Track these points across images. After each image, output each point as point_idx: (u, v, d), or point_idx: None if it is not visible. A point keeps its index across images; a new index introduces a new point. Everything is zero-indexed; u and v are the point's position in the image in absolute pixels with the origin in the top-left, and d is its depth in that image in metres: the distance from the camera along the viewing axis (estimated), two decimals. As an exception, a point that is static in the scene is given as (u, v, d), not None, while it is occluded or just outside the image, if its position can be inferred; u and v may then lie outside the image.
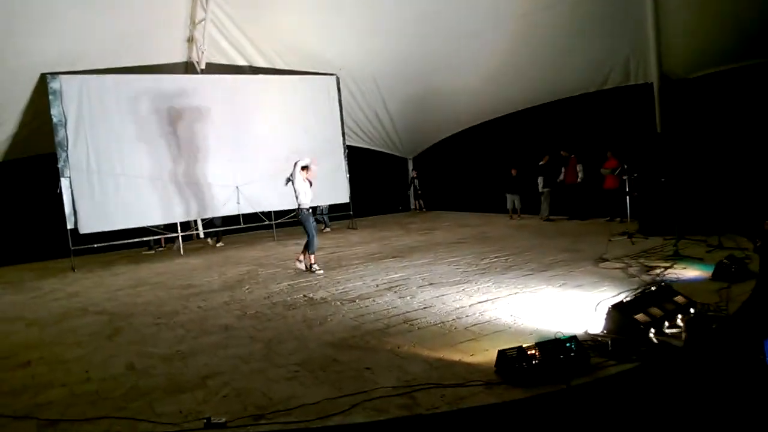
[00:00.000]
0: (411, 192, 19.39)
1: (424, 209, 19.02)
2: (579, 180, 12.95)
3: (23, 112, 11.66)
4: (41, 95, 11.26)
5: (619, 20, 11.30)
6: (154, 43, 12.51)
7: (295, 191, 8.95)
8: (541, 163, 13.54)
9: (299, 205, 8.99)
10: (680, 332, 4.67)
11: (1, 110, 11.38)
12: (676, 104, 11.44)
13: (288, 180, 9.04)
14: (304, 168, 8.99)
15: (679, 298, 5.26)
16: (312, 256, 9.13)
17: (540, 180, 13.67)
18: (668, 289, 5.48)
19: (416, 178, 19.15)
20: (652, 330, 4.72)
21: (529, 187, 14.04)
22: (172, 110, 12.47)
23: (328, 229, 15.04)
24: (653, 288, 5.57)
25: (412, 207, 19.39)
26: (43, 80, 11.13)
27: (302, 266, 9.12)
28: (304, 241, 9.26)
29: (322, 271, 8.94)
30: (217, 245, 13.75)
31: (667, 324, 4.86)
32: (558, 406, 3.83)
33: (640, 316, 4.83)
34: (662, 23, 10.92)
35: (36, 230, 12.45)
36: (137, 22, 11.45)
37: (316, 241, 9.20)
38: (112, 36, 11.45)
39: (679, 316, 4.95)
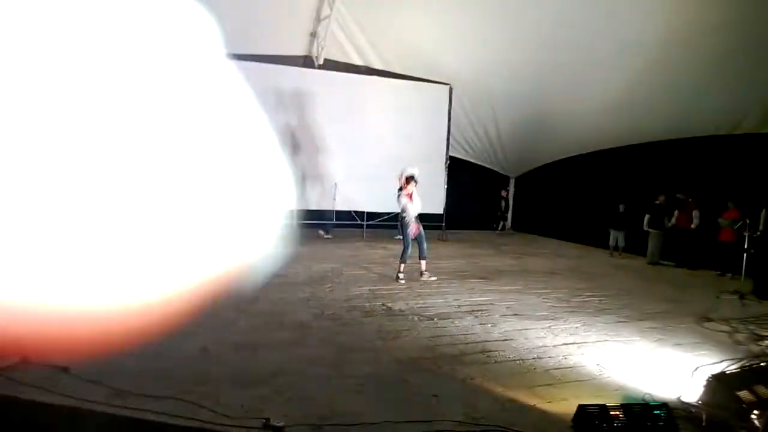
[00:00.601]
0: (499, 213, 18.64)
1: (503, 229, 18.34)
2: (693, 227, 11.99)
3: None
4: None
5: (763, 63, 10.37)
6: (278, 34, 12.91)
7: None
8: (657, 202, 12.69)
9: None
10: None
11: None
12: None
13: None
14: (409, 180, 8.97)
15: (793, 381, 4.65)
16: (402, 265, 9.06)
17: (646, 218, 12.84)
18: (782, 367, 4.89)
19: (504, 199, 18.50)
20: (756, 412, 4.19)
21: (636, 226, 13.22)
22: (285, 101, 12.79)
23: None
24: (762, 363, 5.00)
25: (499, 228, 18.64)
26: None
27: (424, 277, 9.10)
28: (399, 249, 9.27)
29: (404, 282, 8.84)
30: (326, 237, 14.05)
31: (776, 409, 4.31)
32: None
33: (743, 394, 4.29)
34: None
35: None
36: (266, 12, 11.83)
37: (408, 252, 9.08)
38: (241, 23, 11.90)
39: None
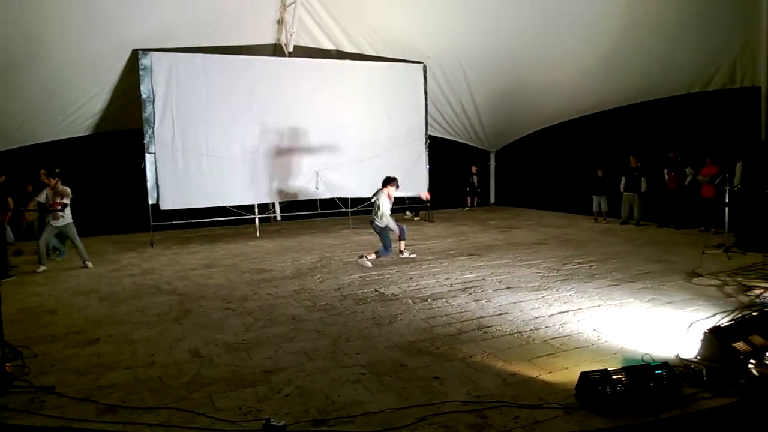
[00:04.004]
0: (468, 189, 18.16)
1: (474, 207, 18.11)
2: (687, 183, 11.98)
3: (114, 87, 11.98)
4: (132, 71, 11.52)
5: (729, 19, 10.39)
6: (244, 23, 12.56)
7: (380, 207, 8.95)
8: (630, 165, 12.75)
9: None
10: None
11: (94, 83, 11.72)
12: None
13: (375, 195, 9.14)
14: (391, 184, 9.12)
15: (784, 326, 4.64)
16: (402, 243, 9.33)
17: (623, 181, 12.95)
18: (771, 314, 4.88)
19: (475, 174, 18.21)
20: (753, 361, 4.20)
21: (616, 190, 13.26)
22: (257, 92, 12.50)
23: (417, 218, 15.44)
24: (754, 312, 5.01)
25: (468, 206, 18.27)
26: (135, 56, 11.38)
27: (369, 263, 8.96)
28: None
29: (414, 255, 9.36)
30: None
31: (770, 355, 4.30)
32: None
33: (739, 345, 4.31)
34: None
35: (120, 203, 12.81)
36: (229, 2, 11.51)
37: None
38: (204, 15, 11.56)
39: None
